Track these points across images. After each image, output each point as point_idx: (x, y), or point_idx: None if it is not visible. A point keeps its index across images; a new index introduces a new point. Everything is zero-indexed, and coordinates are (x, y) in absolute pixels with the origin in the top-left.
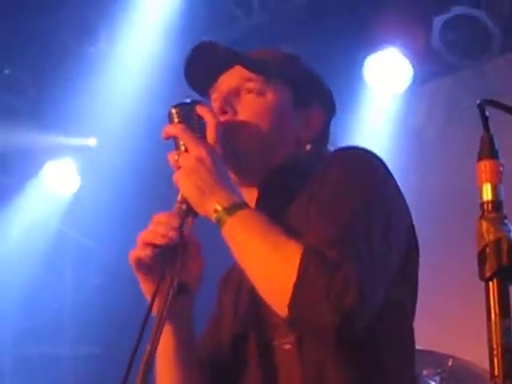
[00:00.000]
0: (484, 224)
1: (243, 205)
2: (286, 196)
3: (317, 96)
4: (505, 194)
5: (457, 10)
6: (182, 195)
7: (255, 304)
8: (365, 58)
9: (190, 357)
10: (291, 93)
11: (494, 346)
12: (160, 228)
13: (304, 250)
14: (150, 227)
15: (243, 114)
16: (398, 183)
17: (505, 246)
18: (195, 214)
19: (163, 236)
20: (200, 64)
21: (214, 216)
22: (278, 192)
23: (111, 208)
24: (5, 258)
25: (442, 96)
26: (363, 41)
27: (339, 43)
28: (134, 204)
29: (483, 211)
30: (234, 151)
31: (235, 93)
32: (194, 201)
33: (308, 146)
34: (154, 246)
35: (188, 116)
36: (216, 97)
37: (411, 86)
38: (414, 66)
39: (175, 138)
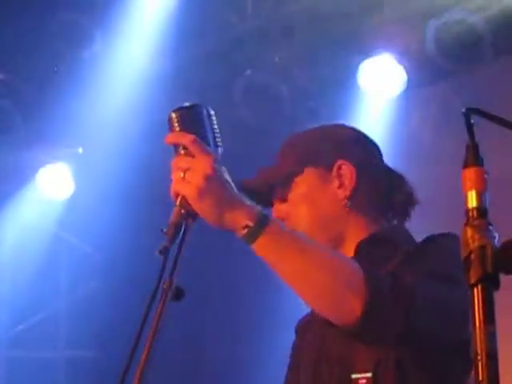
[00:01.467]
0: (469, 231)
1: (269, 216)
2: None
3: (335, 154)
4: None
5: (450, 15)
6: (180, 200)
7: (337, 340)
8: (359, 63)
9: None
10: (314, 166)
11: (479, 352)
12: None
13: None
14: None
15: (288, 211)
16: None
17: (489, 253)
18: (194, 217)
19: None
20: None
21: (244, 232)
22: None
23: (106, 212)
24: (0, 262)
25: (435, 101)
26: (358, 46)
27: (334, 49)
28: (128, 208)
29: (468, 218)
30: None
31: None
32: (213, 220)
33: (347, 202)
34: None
35: (188, 121)
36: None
37: (405, 91)
38: (407, 72)
39: (176, 145)
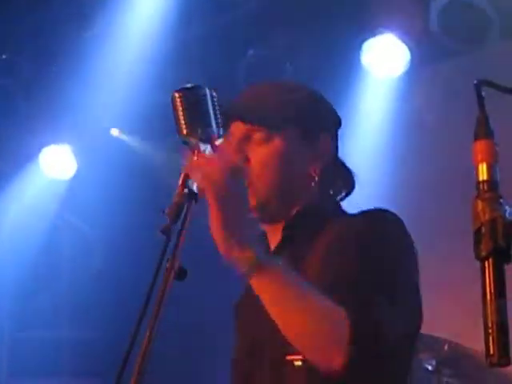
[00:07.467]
0: (480, 203)
1: (271, 256)
2: (307, 239)
3: (322, 123)
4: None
5: None
6: (183, 178)
7: (271, 321)
8: (363, 42)
9: None
10: (297, 128)
11: (489, 325)
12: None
13: (348, 315)
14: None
15: (254, 162)
16: (397, 167)
17: (500, 226)
18: (196, 199)
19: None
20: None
21: (243, 265)
22: (300, 235)
23: (108, 192)
24: (3, 243)
25: (439, 80)
26: (361, 26)
27: (337, 28)
28: (131, 188)
29: (479, 191)
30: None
31: (246, 138)
32: (219, 239)
33: (317, 179)
34: None
35: (191, 101)
36: (230, 142)
37: (409, 70)
38: (411, 51)
39: (191, 142)
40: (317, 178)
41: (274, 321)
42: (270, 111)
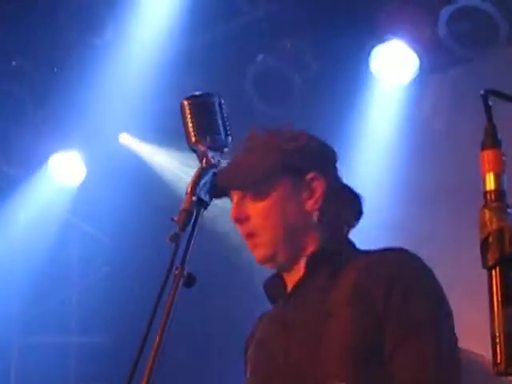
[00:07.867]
0: (487, 213)
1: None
2: (327, 280)
3: (307, 164)
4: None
5: (463, 1)
6: (191, 187)
7: (309, 351)
8: (372, 48)
9: None
10: (284, 177)
11: (497, 334)
12: None
13: None
14: None
15: (254, 217)
16: (404, 174)
17: (507, 235)
18: (205, 206)
19: None
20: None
21: None
22: (319, 276)
23: (117, 198)
24: (12, 248)
25: (448, 87)
26: (370, 32)
27: (346, 34)
28: (140, 194)
29: (486, 200)
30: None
31: (242, 198)
32: None
33: (318, 214)
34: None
35: (200, 109)
36: (231, 204)
37: (417, 76)
38: (420, 57)
39: (199, 150)
40: (317, 214)
41: (311, 349)
42: (256, 175)
